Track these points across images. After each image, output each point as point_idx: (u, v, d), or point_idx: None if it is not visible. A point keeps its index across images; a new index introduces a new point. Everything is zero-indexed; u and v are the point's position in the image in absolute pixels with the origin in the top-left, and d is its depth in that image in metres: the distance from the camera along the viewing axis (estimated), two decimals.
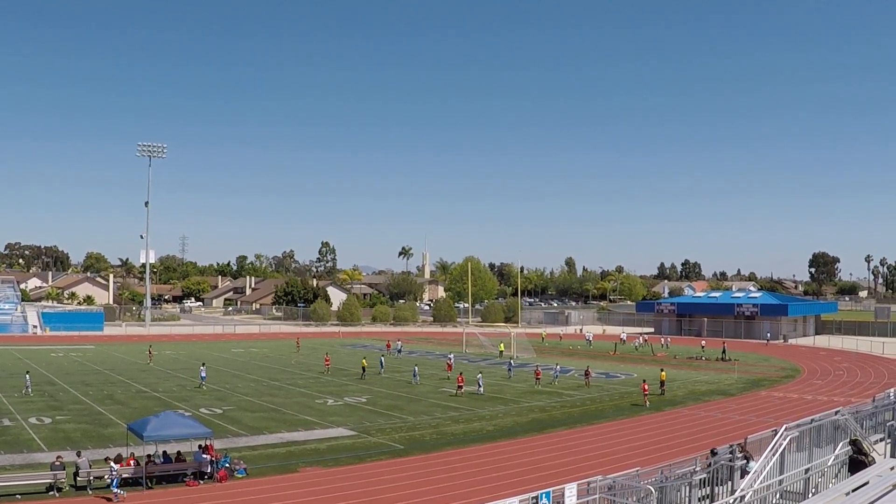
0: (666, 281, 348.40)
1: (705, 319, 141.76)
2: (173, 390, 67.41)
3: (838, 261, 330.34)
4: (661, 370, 72.82)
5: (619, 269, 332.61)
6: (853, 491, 19.99)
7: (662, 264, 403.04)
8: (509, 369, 79.94)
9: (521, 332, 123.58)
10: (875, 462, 26.66)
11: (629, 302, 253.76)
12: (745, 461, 27.45)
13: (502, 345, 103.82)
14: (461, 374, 70.90)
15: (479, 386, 68.24)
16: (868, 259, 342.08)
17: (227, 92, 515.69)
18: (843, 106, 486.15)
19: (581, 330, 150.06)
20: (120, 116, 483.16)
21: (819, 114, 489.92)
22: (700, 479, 25.68)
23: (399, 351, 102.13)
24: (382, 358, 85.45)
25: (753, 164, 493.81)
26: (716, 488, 26.03)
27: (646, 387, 62.40)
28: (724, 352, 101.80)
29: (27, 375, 66.22)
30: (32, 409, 55.60)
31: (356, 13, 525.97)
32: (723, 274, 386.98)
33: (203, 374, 71.56)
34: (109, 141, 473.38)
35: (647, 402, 61.23)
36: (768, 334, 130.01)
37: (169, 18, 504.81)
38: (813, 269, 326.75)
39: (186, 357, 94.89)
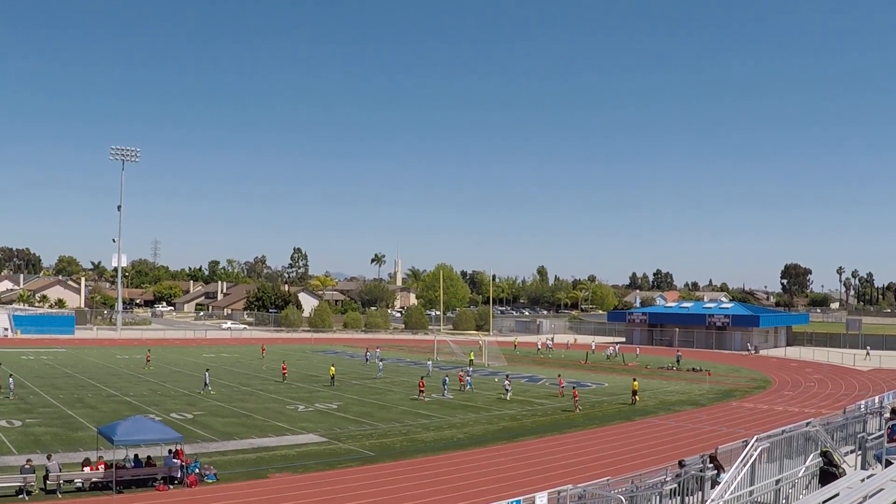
0: (638, 291, 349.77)
1: (677, 329, 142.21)
2: (144, 394, 67.11)
3: (810, 272, 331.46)
4: (634, 380, 72.94)
5: (592, 279, 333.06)
6: (824, 503, 20.08)
7: (634, 274, 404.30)
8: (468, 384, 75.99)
9: (493, 340, 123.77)
10: (846, 473, 26.75)
11: (601, 311, 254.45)
12: (715, 472, 27.56)
13: (472, 353, 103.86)
14: (422, 378, 72.85)
15: (507, 391, 70.52)
16: (840, 271, 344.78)
17: (200, 96, 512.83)
18: (815, 118, 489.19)
19: (553, 339, 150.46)
20: (93, 120, 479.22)
21: (792, 126, 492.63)
22: (670, 490, 25.79)
23: (380, 360, 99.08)
24: (381, 363, 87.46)
25: (726, 176, 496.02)
26: (686, 499, 26.14)
27: (567, 391, 62.77)
28: (678, 360, 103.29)
29: (10, 379, 65.77)
30: (2, 412, 55.21)
31: (329, 17, 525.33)
32: (695, 284, 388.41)
33: (207, 380, 70.32)
34: (82, 144, 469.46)
35: (578, 409, 61.99)
36: (748, 344, 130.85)
37: (141, 21, 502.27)
38: (785, 281, 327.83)
39: (157, 361, 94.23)
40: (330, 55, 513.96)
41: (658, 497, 25.33)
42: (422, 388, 69.22)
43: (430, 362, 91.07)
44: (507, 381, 72.88)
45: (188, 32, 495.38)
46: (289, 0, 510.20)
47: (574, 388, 67.10)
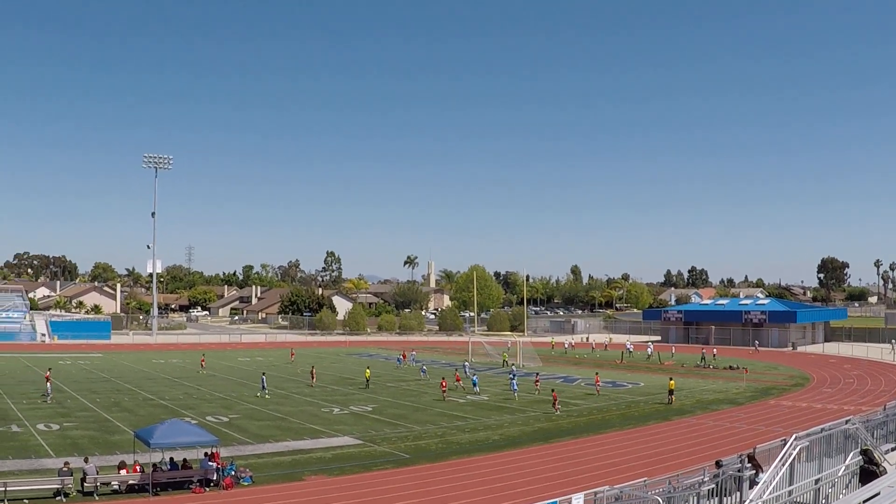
0: (672, 288, 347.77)
1: (713, 327, 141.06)
2: (180, 398, 67.43)
3: (847, 266, 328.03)
4: (670, 379, 72.38)
5: (626, 277, 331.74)
6: (865, 502, 19.78)
7: (669, 271, 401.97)
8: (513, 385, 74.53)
9: (528, 340, 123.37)
10: (887, 472, 26.37)
11: (635, 310, 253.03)
12: (753, 472, 27.19)
13: (505, 354, 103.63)
14: (444, 378, 73.58)
15: (515, 391, 70.84)
16: (877, 264, 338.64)
17: (231, 101, 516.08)
18: (851, 110, 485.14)
19: (587, 339, 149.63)
20: (126, 126, 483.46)
21: (827, 118, 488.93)
22: (708, 490, 25.44)
23: (416, 362, 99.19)
24: (423, 365, 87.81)
25: (760, 170, 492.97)
26: (724, 499, 25.79)
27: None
28: (702, 358, 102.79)
29: (48, 383, 66.03)
30: (41, 416, 55.65)
31: (360, 18, 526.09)
32: (730, 281, 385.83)
33: (264, 384, 70.88)
34: (116, 151, 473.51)
35: (558, 410, 61.46)
36: (756, 342, 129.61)
37: (173, 27, 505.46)
38: (821, 275, 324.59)
39: (193, 366, 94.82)
40: (360, 57, 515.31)
41: (696, 498, 25.00)
42: (444, 388, 69.96)
43: (466, 364, 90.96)
44: (514, 379, 73.75)
45: (221, 36, 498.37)
46: (319, 2, 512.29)
47: (553, 391, 66.54)
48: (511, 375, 77.10)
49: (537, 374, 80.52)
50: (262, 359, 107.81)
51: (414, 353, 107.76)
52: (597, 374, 77.66)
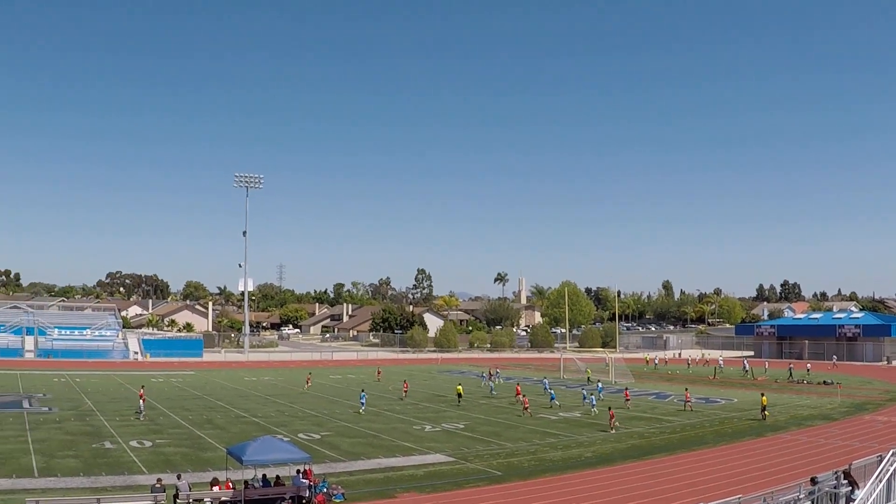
0: (765, 303, 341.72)
1: (806, 342, 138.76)
2: (272, 415, 67.53)
3: None
4: (762, 395, 70.79)
5: (718, 292, 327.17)
6: None
7: (761, 286, 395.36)
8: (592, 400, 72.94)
9: (620, 356, 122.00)
10: None
11: (728, 325, 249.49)
12: (850, 488, 26.53)
13: (589, 370, 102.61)
14: (525, 396, 73.72)
15: (552, 398, 73.00)
16: None
17: (321, 119, 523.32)
18: None
19: (679, 354, 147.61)
20: (217, 146, 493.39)
21: None
22: None
23: (486, 378, 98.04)
24: (491, 382, 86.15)
25: (852, 182, 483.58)
26: None
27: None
28: (790, 373, 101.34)
29: (141, 401, 66.64)
30: (133, 433, 56.03)
31: (455, 37, 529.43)
32: (823, 294, 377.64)
33: (363, 400, 71.58)
34: (207, 171, 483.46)
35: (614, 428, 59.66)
36: (834, 357, 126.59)
37: (263, 46, 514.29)
38: None
39: (285, 383, 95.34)
40: (444, 76, 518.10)
41: None
42: (526, 405, 69.50)
43: (546, 380, 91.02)
44: (548, 388, 76.92)
45: (310, 56, 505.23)
46: (414, 18, 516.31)
47: (610, 408, 64.87)
48: (585, 392, 77.47)
49: (626, 388, 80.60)
50: (354, 376, 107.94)
51: (498, 370, 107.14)
52: (686, 389, 77.25)
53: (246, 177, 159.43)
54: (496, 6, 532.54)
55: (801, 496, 25.16)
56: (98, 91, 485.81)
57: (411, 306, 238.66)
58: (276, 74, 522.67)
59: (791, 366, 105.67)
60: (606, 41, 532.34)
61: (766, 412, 65.54)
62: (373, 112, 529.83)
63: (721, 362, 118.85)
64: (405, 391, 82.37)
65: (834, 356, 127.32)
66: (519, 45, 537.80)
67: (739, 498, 27.14)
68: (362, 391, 74.71)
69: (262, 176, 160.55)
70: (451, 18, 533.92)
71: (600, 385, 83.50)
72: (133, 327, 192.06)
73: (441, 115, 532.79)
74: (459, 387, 80.00)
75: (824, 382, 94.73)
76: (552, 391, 78.26)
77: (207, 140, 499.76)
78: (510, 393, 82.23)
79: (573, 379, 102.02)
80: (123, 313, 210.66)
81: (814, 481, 27.02)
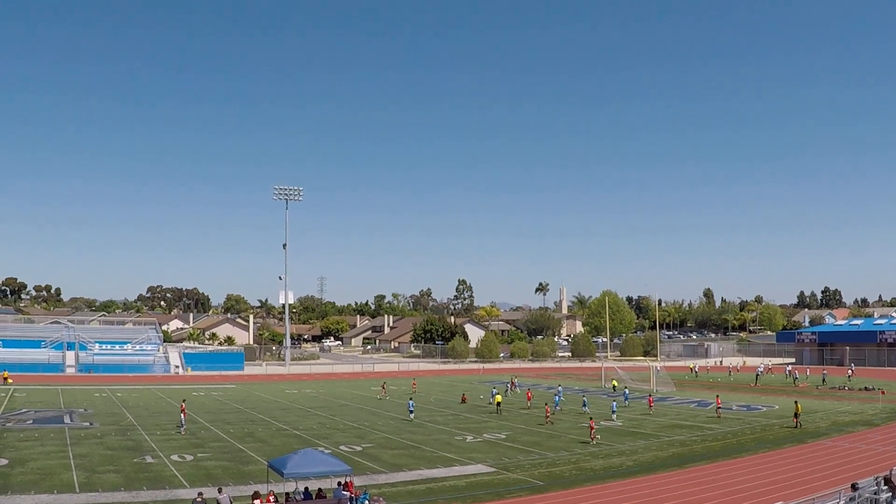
0: (806, 310, 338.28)
1: (847, 348, 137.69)
2: (313, 428, 67.48)
3: None
4: (795, 402, 70.03)
5: (759, 299, 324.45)
6: None
7: (802, 292, 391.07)
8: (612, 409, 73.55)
9: (661, 365, 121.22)
10: None
11: (769, 332, 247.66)
12: (890, 494, 26.20)
13: (615, 381, 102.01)
14: (546, 404, 74.69)
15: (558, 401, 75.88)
16: None
17: (360, 133, 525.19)
18: None
19: (720, 362, 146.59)
20: (256, 159, 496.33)
21: None
22: None
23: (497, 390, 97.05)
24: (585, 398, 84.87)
25: (892, 189, 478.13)
26: None
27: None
28: (823, 380, 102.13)
29: (182, 415, 66.80)
30: (175, 447, 56.13)
31: (498, 49, 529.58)
32: (864, 300, 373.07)
33: (412, 408, 74.17)
34: (247, 184, 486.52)
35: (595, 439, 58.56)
36: (852, 364, 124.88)
37: (304, 62, 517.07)
38: None
39: (326, 395, 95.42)
40: (485, 87, 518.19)
41: None
42: (547, 415, 70.12)
43: (560, 387, 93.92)
44: (558, 394, 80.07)
45: (349, 71, 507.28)
46: (450, 34, 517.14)
47: (591, 418, 64.88)
48: (585, 399, 79.30)
49: (650, 395, 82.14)
50: (395, 388, 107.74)
51: (516, 380, 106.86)
52: (717, 396, 77.85)
53: (286, 189, 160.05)
54: (538, 20, 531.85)
55: (842, 502, 24.83)
56: (141, 108, 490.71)
57: (452, 317, 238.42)
58: (316, 89, 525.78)
59: (825, 372, 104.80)
60: (656, 53, 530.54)
61: (798, 419, 64.77)
62: (413, 124, 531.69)
63: (761, 369, 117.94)
64: (463, 399, 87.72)
65: (852, 364, 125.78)
66: (562, 58, 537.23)
67: None
68: (410, 399, 76.66)
69: (301, 188, 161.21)
70: (490, 34, 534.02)
71: (627, 392, 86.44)
72: (174, 341, 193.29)
73: (482, 128, 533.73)
74: (499, 396, 79.89)
75: (865, 388, 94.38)
76: (559, 398, 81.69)
77: (247, 153, 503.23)
78: (537, 403, 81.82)
79: (614, 388, 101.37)
80: (164, 327, 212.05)
81: (854, 487, 26.75)
